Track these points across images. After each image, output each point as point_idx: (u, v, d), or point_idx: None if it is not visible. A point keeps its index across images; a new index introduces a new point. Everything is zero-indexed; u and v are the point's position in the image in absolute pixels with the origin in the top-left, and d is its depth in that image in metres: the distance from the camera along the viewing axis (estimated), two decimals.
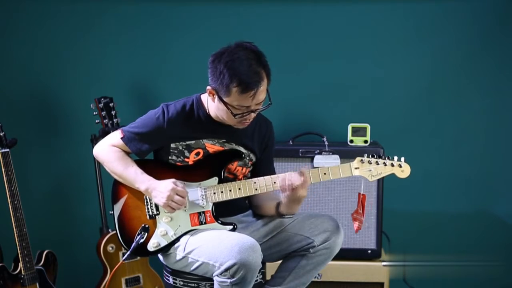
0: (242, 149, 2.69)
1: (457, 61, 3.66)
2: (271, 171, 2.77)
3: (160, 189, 2.57)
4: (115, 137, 2.68)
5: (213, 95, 2.54)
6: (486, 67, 3.67)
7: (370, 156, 2.60)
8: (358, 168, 2.59)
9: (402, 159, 2.60)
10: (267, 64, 2.52)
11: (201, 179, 2.64)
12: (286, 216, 2.64)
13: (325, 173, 2.59)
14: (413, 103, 3.70)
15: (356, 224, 2.73)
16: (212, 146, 2.66)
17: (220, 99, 2.51)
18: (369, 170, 2.59)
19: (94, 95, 3.44)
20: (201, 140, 2.65)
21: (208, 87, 2.54)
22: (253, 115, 2.55)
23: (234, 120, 2.55)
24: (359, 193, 2.73)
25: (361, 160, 2.60)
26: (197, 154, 2.65)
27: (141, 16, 3.69)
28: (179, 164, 2.66)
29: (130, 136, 2.64)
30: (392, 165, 2.60)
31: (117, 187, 2.70)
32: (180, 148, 2.65)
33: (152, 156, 2.74)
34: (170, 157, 2.66)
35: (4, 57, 3.70)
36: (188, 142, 2.64)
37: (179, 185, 2.57)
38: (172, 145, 2.65)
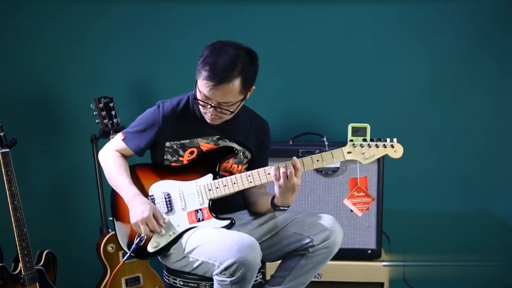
0: (235, 145, 2.70)
1: (457, 61, 3.66)
2: None
3: (135, 210, 2.57)
4: (117, 140, 2.72)
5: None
6: (486, 67, 3.67)
7: (362, 140, 2.61)
8: (350, 152, 2.60)
9: (394, 140, 2.60)
10: (250, 78, 2.53)
11: (196, 177, 2.65)
12: (281, 208, 2.62)
13: (318, 160, 2.59)
14: (413, 103, 3.70)
15: (358, 207, 2.72)
16: (206, 145, 2.68)
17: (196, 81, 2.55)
18: (362, 153, 2.59)
19: (94, 95, 3.44)
20: (195, 139, 2.67)
21: None
22: (212, 110, 2.55)
23: (201, 108, 2.58)
24: (353, 178, 2.71)
25: (353, 144, 2.60)
26: (191, 153, 2.67)
27: (141, 16, 3.69)
28: (174, 164, 2.67)
29: (130, 136, 2.68)
30: (385, 146, 2.60)
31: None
32: (175, 147, 2.66)
33: (149, 159, 2.75)
34: (165, 156, 2.68)
35: (4, 57, 3.70)
36: (182, 141, 2.66)
37: (157, 217, 2.57)
38: (167, 144, 2.67)
